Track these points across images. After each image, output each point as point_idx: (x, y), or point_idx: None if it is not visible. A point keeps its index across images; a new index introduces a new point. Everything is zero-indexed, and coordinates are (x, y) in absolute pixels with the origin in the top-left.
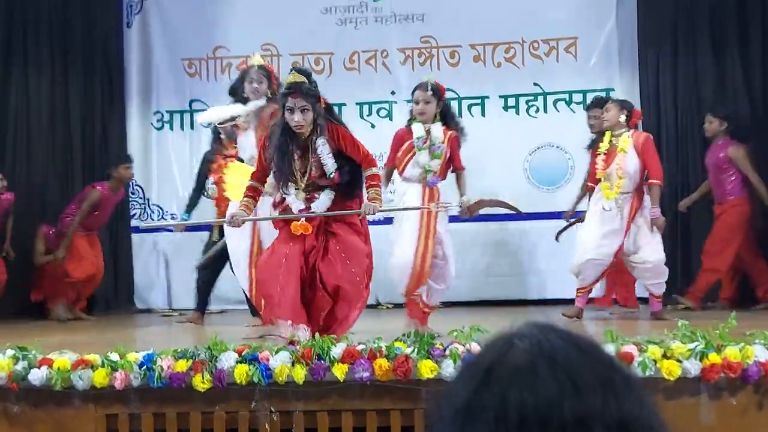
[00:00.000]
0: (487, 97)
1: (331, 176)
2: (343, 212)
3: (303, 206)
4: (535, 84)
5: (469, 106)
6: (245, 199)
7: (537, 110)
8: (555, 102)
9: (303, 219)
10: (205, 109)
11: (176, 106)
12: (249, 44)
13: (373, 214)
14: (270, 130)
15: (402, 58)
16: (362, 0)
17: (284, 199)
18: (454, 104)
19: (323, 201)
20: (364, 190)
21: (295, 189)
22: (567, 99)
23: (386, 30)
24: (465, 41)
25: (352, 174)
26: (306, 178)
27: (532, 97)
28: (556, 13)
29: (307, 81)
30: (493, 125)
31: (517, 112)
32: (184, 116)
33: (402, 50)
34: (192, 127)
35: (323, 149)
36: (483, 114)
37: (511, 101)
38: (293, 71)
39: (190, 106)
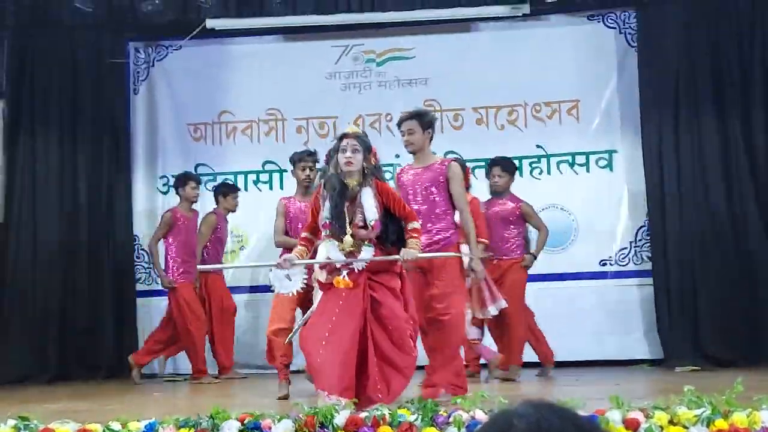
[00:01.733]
0: (489, 160)
1: (371, 224)
2: (382, 258)
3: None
4: (538, 146)
5: (473, 169)
6: (299, 247)
7: (540, 172)
8: (558, 164)
9: (345, 274)
10: (211, 173)
11: (182, 170)
12: (254, 109)
13: (413, 260)
14: (322, 178)
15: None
16: (366, 66)
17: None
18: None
19: (364, 255)
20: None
21: (339, 242)
22: (570, 161)
23: (390, 94)
24: (468, 104)
25: (394, 231)
26: (350, 228)
27: (535, 159)
28: (557, 77)
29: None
30: None
31: (521, 174)
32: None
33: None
34: None
35: (367, 198)
36: (487, 176)
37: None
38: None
39: (195, 169)
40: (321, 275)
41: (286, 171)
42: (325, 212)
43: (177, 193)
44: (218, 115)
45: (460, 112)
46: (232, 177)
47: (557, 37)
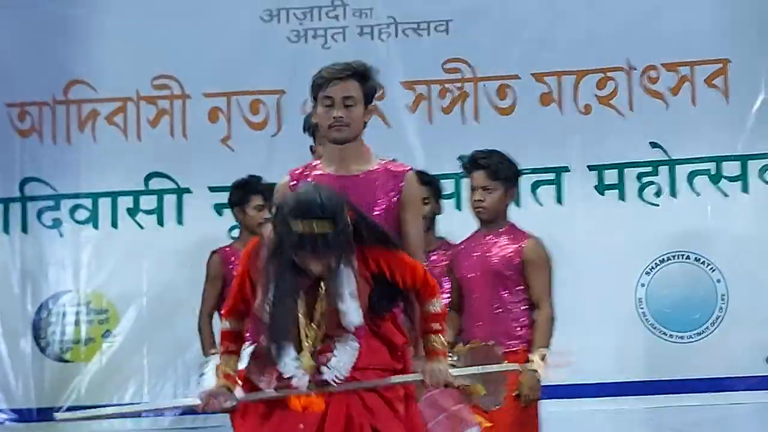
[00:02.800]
0: (566, 169)
1: (351, 329)
2: (387, 381)
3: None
4: (654, 145)
5: (534, 186)
6: (224, 358)
7: (658, 192)
8: (690, 177)
9: (305, 386)
10: (51, 196)
11: None
12: (129, 77)
13: (443, 386)
14: (261, 245)
15: (410, 101)
16: None
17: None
18: None
19: (344, 360)
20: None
21: (296, 357)
22: (712, 172)
23: (380, 49)
24: (524, 68)
25: (387, 295)
26: (313, 335)
27: (648, 170)
28: (688, 17)
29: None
30: (577, 218)
31: (622, 196)
32: (10, 209)
33: (409, 84)
34: (24, 229)
35: (344, 282)
36: (559, 200)
37: (610, 177)
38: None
39: (21, 189)
40: (259, 379)
41: (189, 191)
42: (263, 313)
43: (235, 218)
44: (64, 88)
45: (509, 83)
46: (88, 201)
47: None
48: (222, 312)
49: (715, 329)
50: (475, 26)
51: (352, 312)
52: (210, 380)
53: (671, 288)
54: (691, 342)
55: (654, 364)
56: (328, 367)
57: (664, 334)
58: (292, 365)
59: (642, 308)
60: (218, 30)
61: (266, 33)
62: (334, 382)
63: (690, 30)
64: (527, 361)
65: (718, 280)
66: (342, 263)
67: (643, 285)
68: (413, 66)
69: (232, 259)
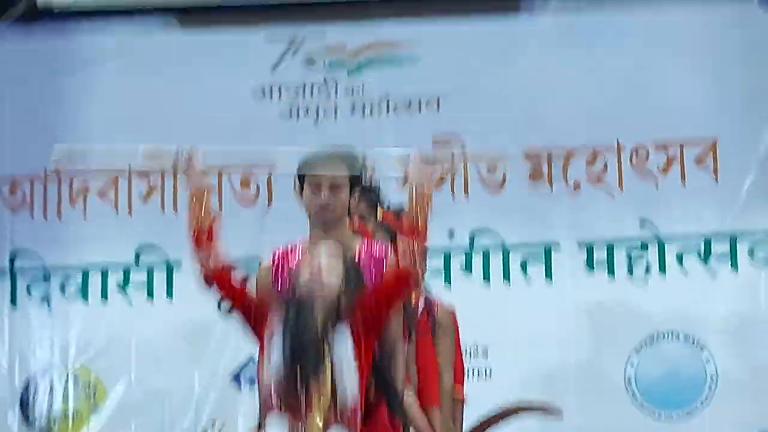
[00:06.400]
0: (556, 245)
1: (349, 407)
2: None
3: None
4: (644, 222)
5: (523, 263)
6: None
7: (647, 270)
8: (679, 256)
9: None
10: (39, 268)
11: None
12: (121, 151)
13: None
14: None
15: (400, 176)
16: (330, 73)
17: None
18: (496, 263)
19: None
20: None
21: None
22: (701, 250)
23: (371, 126)
24: (514, 145)
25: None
26: (321, 409)
27: (637, 248)
28: (677, 97)
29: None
30: (566, 297)
31: (611, 273)
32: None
33: (401, 160)
34: (14, 302)
35: (341, 348)
36: (548, 276)
37: (600, 254)
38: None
39: (11, 262)
40: None
41: (179, 265)
42: (275, 356)
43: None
44: (55, 161)
45: (498, 161)
46: (78, 275)
47: (675, 26)
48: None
49: (703, 407)
50: (466, 103)
51: (350, 381)
52: None
53: (661, 367)
54: (681, 420)
55: None
56: None
57: (653, 413)
58: None
59: (632, 386)
60: (213, 102)
61: (259, 107)
62: None
63: (679, 108)
64: None
65: (708, 359)
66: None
67: (631, 364)
68: (404, 141)
69: None
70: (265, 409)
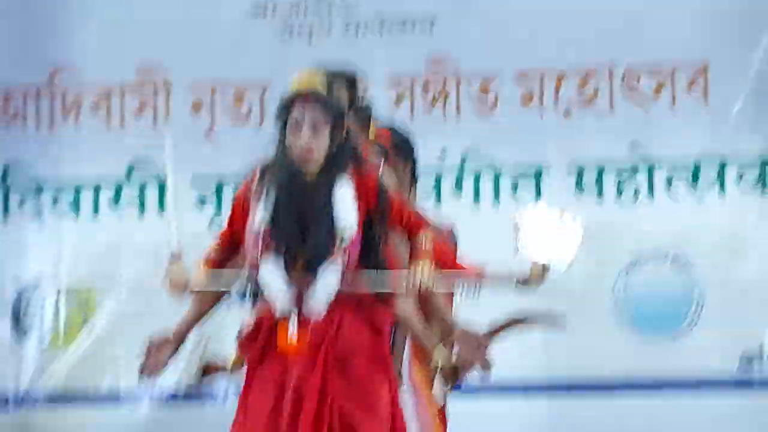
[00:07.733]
0: (545, 168)
1: (345, 239)
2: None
3: (291, 303)
4: (634, 146)
5: (514, 185)
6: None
7: (636, 194)
8: (669, 179)
9: (294, 334)
10: (32, 180)
11: None
12: (114, 65)
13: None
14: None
15: (394, 95)
16: None
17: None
18: (486, 183)
19: (325, 285)
20: None
21: (283, 272)
22: (691, 174)
23: (364, 44)
24: (506, 67)
25: (380, 253)
26: (302, 251)
27: (627, 171)
28: (669, 20)
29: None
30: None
31: (601, 195)
32: None
33: (393, 80)
34: (6, 214)
35: (342, 197)
36: (538, 197)
37: (589, 177)
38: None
39: (4, 172)
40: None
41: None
42: (260, 212)
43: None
44: (48, 76)
45: (491, 82)
46: (70, 188)
47: None
48: (214, 244)
49: (689, 330)
50: (460, 24)
51: (346, 218)
52: None
53: (648, 289)
54: (665, 342)
55: (625, 361)
56: (313, 290)
57: (642, 334)
58: (279, 281)
59: (619, 308)
60: (207, 19)
61: (253, 25)
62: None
63: (671, 32)
64: None
65: (695, 282)
66: (335, 133)
67: (619, 286)
68: (399, 63)
69: None
70: (254, 260)
